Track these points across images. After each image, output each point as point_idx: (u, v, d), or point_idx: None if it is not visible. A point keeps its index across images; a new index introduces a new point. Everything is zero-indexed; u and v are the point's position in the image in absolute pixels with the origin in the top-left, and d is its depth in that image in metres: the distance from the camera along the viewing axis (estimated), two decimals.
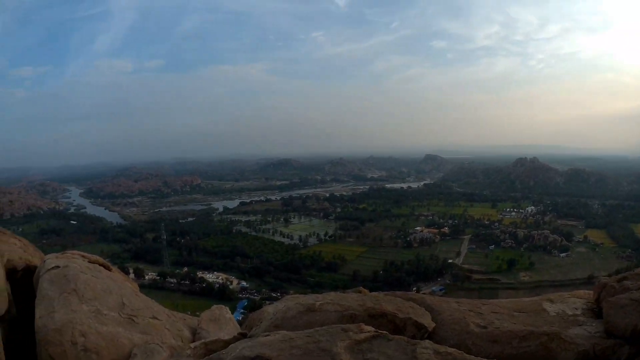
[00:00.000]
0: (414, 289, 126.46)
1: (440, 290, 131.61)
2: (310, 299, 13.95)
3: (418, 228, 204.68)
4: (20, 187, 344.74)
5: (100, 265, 22.36)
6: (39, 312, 16.55)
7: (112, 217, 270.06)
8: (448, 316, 14.07)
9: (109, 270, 22.51)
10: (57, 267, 19.36)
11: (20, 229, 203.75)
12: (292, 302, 16.85)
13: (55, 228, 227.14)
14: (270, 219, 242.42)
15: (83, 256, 22.46)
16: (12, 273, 23.38)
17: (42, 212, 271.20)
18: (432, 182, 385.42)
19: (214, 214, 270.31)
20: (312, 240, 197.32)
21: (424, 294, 17.46)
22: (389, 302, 13.89)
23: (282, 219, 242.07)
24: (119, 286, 19.04)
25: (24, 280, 24.49)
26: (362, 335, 9.60)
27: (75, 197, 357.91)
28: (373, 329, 9.53)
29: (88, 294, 16.56)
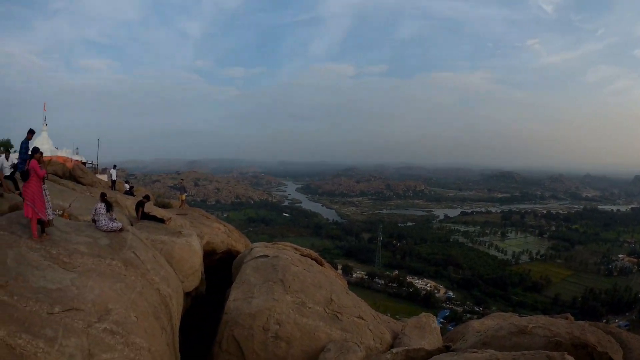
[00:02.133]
0: (604, 320, 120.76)
1: (625, 326, 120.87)
2: (523, 320, 13.67)
3: (620, 255, 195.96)
4: (229, 177, 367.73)
5: (313, 259, 23.30)
6: (234, 294, 17.70)
7: (328, 214, 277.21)
8: (637, 355, 13.12)
9: (321, 265, 23.48)
10: (266, 256, 20.57)
11: (226, 215, 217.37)
12: (504, 320, 16.37)
13: (265, 218, 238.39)
14: (488, 231, 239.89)
15: (295, 249, 23.64)
16: (210, 254, 25.20)
17: (252, 202, 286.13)
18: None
19: (434, 221, 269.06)
20: (524, 258, 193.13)
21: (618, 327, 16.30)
22: (592, 332, 13.75)
23: (499, 233, 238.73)
24: (330, 282, 19.70)
25: (220, 263, 26.26)
26: None
27: (291, 191, 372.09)
28: None
29: (295, 286, 18.04)
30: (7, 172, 19.22)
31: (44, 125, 64.01)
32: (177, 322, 14.17)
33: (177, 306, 14.35)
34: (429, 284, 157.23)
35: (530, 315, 16.41)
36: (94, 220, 14.83)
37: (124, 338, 10.21)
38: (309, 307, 17.29)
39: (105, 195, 15.54)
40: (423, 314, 19.56)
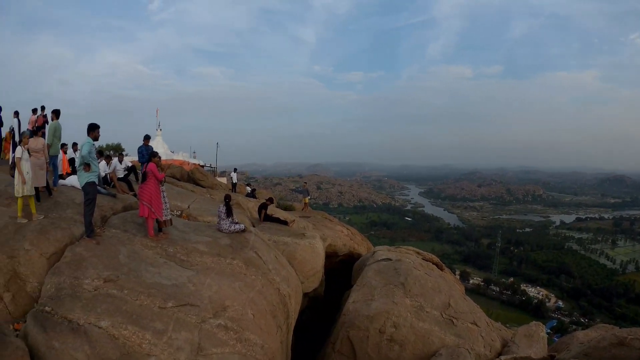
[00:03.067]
0: None
1: None
2: (624, 332, 13.01)
3: None
4: (353, 181, 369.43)
5: (434, 263, 22.82)
6: (354, 296, 18.17)
7: (450, 218, 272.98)
8: None
9: (441, 269, 22.89)
10: (389, 259, 20.15)
11: (348, 218, 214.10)
12: (607, 332, 15.49)
13: (387, 222, 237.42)
14: (600, 238, 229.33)
15: (418, 253, 23.08)
16: (331, 257, 24.99)
17: (374, 206, 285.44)
18: None
19: (551, 227, 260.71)
20: (631, 267, 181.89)
21: None
22: None
23: (610, 240, 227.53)
24: (449, 287, 19.14)
25: (340, 265, 26.18)
26: None
27: (414, 195, 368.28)
28: None
29: (415, 290, 17.74)
30: (121, 174, 20.09)
31: (158, 130, 66.80)
32: (293, 321, 14.02)
33: (295, 306, 14.22)
34: (541, 293, 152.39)
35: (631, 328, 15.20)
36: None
37: (237, 334, 10.15)
38: (427, 311, 17.04)
39: (229, 199, 15.69)
40: (533, 322, 18.95)
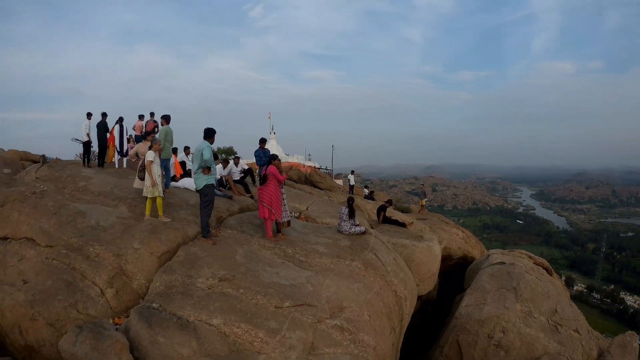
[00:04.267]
0: None
1: None
2: None
3: None
4: (467, 183, 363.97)
5: (544, 268, 21.98)
6: (467, 300, 17.62)
7: (558, 221, 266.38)
8: None
9: (550, 274, 22.00)
10: (502, 263, 20.07)
11: (462, 221, 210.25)
12: None
13: (499, 224, 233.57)
14: None
15: (530, 257, 22.25)
16: (446, 260, 24.45)
17: (487, 208, 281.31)
18: None
19: None
20: None
21: None
22: None
23: None
24: (557, 292, 18.50)
25: (452, 268, 25.63)
26: None
27: (525, 197, 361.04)
28: None
29: (526, 295, 17.07)
30: (237, 176, 20.34)
31: (272, 133, 67.87)
32: (405, 324, 13.45)
33: (409, 308, 13.61)
34: (638, 302, 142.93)
35: None
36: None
37: (352, 335, 9.74)
38: (534, 317, 16.65)
39: (352, 201, 15.26)
40: (629, 332, 18.36)
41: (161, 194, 13.22)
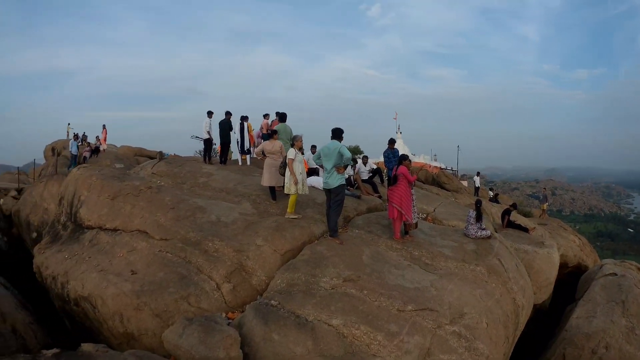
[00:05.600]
0: None
1: None
2: None
3: None
4: (584, 187, 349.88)
5: None
6: (578, 311, 17.43)
7: None
8: None
9: None
10: (614, 274, 19.01)
11: (577, 227, 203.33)
12: None
13: (612, 232, 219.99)
14: None
15: (638, 269, 21.17)
16: (561, 267, 23.44)
17: (602, 214, 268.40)
18: None
19: None
20: None
21: None
22: None
23: None
24: None
25: (566, 277, 24.58)
26: None
27: (637, 204, 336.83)
28: None
29: (633, 309, 16.86)
30: (365, 176, 20.15)
31: (398, 133, 67.32)
32: (518, 333, 12.93)
33: (525, 317, 13.09)
34: None
35: None
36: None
37: (468, 342, 9.47)
38: (636, 334, 15.92)
39: (480, 204, 14.89)
40: None
41: (301, 192, 13.38)
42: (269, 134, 15.59)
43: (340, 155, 12.14)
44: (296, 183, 13.09)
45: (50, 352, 8.04)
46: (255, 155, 18.22)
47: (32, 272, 15.49)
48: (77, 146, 29.64)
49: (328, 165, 12.22)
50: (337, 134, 12.56)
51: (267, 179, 14.47)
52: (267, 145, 14.93)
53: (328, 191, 12.36)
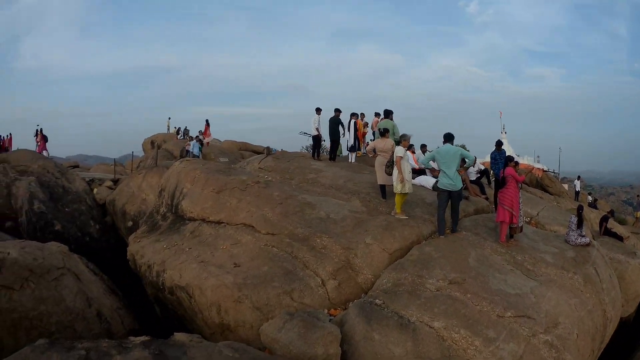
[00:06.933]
0: None
1: None
2: None
3: None
4: None
5: None
6: None
7: None
8: None
9: None
10: None
11: None
12: None
13: None
14: None
15: None
16: None
17: None
18: None
19: None
20: None
21: None
22: None
23: None
24: None
25: None
26: None
27: None
28: None
29: None
30: (473, 176, 19.74)
31: (503, 132, 65.90)
32: (603, 347, 12.56)
33: (611, 330, 12.76)
34: None
35: None
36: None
37: (558, 353, 9.28)
38: None
39: (582, 210, 14.49)
40: None
41: (408, 191, 13.36)
42: (381, 133, 15.93)
43: (462, 158, 12.42)
44: (402, 181, 13.12)
45: (138, 339, 8.21)
46: (366, 153, 18.06)
47: (122, 259, 16.06)
48: (200, 148, 29.19)
49: (449, 169, 12.35)
50: (450, 138, 12.82)
51: (381, 177, 14.48)
52: (378, 143, 14.99)
53: (448, 192, 12.46)
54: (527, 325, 9.53)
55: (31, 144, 35.52)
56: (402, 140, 13.78)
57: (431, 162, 13.39)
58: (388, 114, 18.10)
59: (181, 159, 20.87)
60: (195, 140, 28.61)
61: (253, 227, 13.24)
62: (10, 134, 40.02)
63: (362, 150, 21.35)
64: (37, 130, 35.26)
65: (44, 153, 32.24)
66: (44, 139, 34.82)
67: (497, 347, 8.85)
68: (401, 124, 17.10)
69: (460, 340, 8.86)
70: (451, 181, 12.29)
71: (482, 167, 21.64)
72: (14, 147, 36.93)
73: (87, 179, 27.95)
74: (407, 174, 13.15)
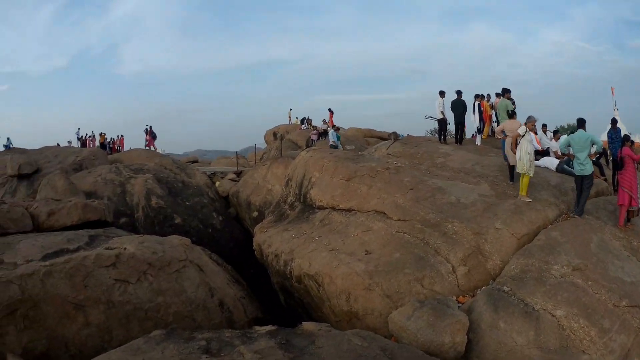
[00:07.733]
0: None
1: None
2: None
3: None
4: None
5: None
6: None
7: None
8: None
9: None
10: None
11: None
12: None
13: None
14: None
15: None
16: None
17: None
18: None
19: None
20: None
21: None
22: None
23: None
24: None
25: None
26: None
27: None
28: None
29: None
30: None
31: (615, 109, 63.06)
32: None
33: None
34: None
35: None
36: None
37: None
38: None
39: None
40: None
41: (525, 171, 13.05)
42: (509, 114, 16.02)
43: (592, 143, 12.53)
44: (520, 159, 12.98)
45: (264, 329, 8.36)
46: (497, 135, 17.90)
47: (245, 249, 16.39)
48: (338, 137, 28.35)
49: (581, 154, 12.39)
50: (583, 123, 12.81)
51: (512, 158, 14.23)
52: (507, 124, 14.91)
53: (580, 177, 12.46)
54: (638, 316, 9.42)
55: (143, 144, 38.40)
56: (527, 122, 13.71)
57: (567, 148, 13.42)
58: (504, 92, 18.19)
59: (307, 148, 21.33)
60: (332, 130, 27.95)
61: (385, 213, 13.27)
62: (122, 136, 44.05)
63: (487, 132, 20.80)
64: (146, 129, 38.59)
65: (152, 149, 35.83)
66: (152, 135, 38.23)
67: (610, 338, 8.80)
68: (519, 103, 17.07)
69: (579, 330, 8.83)
70: (583, 166, 12.36)
71: (602, 148, 21.61)
72: (126, 148, 40.42)
73: (209, 173, 28.74)
74: (527, 155, 12.99)
